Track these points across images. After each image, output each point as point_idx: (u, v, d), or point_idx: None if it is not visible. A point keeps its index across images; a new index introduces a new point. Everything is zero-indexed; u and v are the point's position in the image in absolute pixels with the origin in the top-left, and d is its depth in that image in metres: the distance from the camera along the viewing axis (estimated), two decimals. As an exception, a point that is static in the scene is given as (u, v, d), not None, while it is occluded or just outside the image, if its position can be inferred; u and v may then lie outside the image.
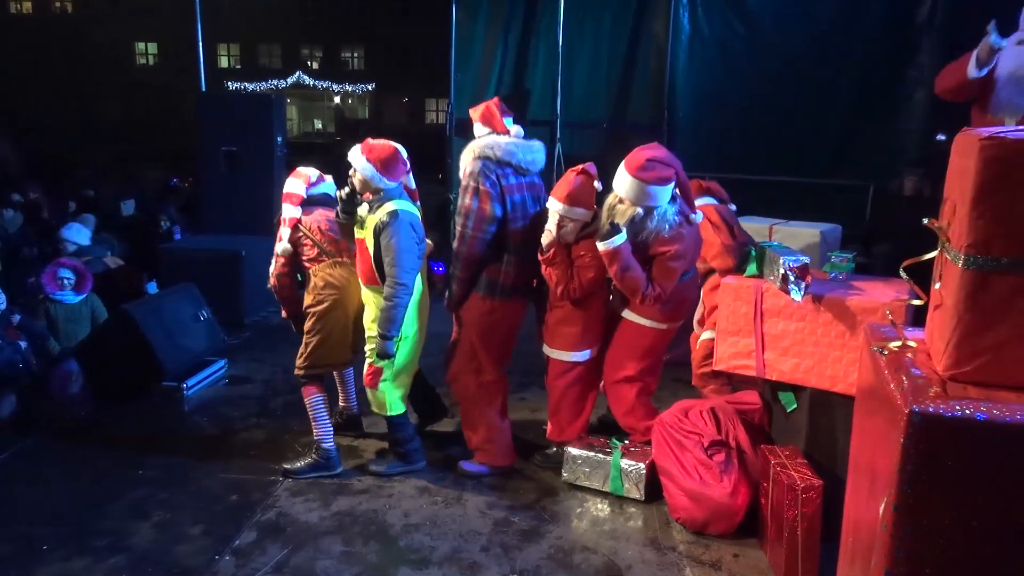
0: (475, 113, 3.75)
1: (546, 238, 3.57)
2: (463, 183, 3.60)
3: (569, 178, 3.56)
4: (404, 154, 3.63)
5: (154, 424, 4.46)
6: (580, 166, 3.60)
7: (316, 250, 3.82)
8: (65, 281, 5.50)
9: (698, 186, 4.17)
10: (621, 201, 3.45)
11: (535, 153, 3.67)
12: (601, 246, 3.41)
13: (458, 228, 3.59)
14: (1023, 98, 3.49)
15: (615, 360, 3.81)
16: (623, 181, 3.42)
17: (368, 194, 3.57)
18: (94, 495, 3.63)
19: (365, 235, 3.56)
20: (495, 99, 3.78)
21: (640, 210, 3.41)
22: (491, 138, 3.60)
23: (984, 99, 3.69)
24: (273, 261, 3.94)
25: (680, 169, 3.50)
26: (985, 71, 3.62)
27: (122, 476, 3.80)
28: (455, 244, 3.62)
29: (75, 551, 3.18)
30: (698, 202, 4.10)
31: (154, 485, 3.72)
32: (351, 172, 3.57)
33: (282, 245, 3.86)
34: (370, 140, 3.61)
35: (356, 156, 3.53)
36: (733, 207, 4.33)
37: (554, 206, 3.54)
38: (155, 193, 10.84)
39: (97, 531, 3.32)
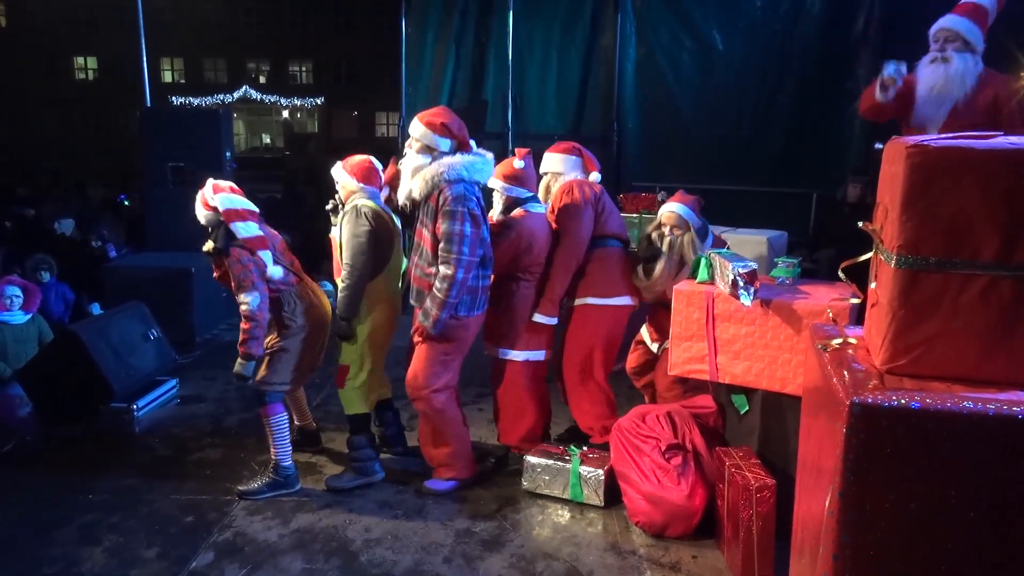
0: (445, 125, 3.52)
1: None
2: (446, 207, 3.43)
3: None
4: (379, 166, 3.88)
5: (103, 447, 4.34)
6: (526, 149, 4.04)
7: (291, 274, 3.80)
8: (13, 300, 5.32)
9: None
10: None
11: (492, 167, 3.71)
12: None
13: (453, 255, 3.43)
14: (939, 112, 3.70)
15: (572, 348, 3.98)
16: (547, 159, 4.10)
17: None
18: (42, 521, 3.52)
19: (336, 234, 3.77)
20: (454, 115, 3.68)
21: (550, 176, 4.09)
22: (462, 158, 3.52)
23: (907, 116, 3.91)
24: (255, 298, 3.57)
25: (582, 147, 4.16)
26: (892, 93, 3.81)
27: (71, 501, 3.70)
28: (449, 271, 3.43)
29: (23, 579, 3.09)
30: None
31: (105, 509, 3.62)
32: (338, 186, 3.86)
33: (273, 268, 3.67)
34: (349, 159, 3.89)
35: (338, 171, 3.84)
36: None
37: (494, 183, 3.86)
38: (95, 211, 10.57)
39: (46, 558, 3.23)
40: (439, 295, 3.48)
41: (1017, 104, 3.57)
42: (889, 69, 3.76)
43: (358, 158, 3.87)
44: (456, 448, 3.77)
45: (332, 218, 3.91)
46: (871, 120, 4.22)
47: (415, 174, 3.52)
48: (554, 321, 3.93)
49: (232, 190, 3.72)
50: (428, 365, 3.64)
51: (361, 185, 3.78)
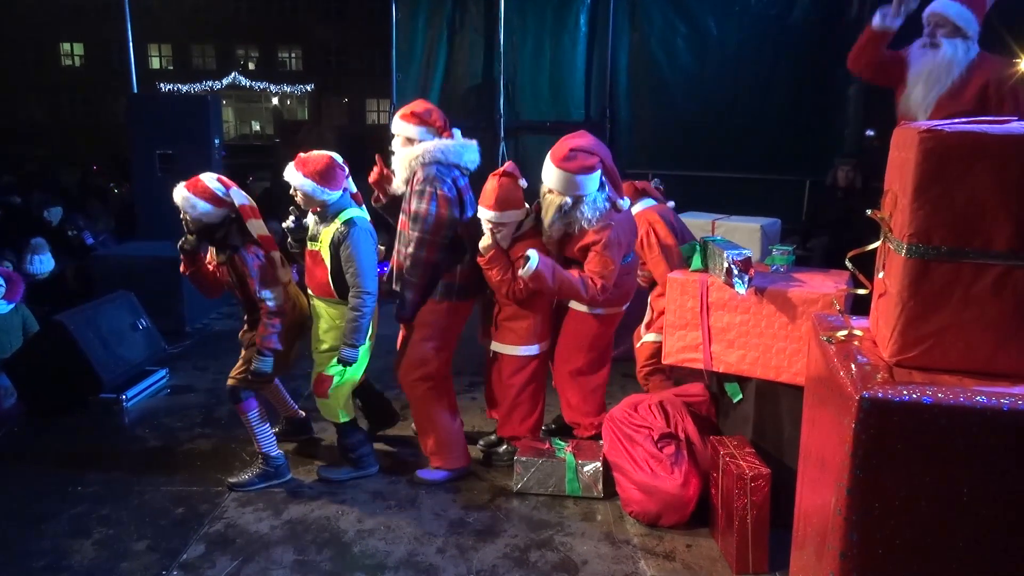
0: (415, 113, 3.58)
1: (484, 242, 3.57)
2: (416, 188, 3.50)
3: (492, 184, 3.55)
4: (340, 160, 3.54)
5: (92, 438, 4.28)
6: (500, 169, 3.61)
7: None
8: None
9: (632, 188, 4.23)
10: (550, 191, 3.52)
11: (474, 153, 3.66)
12: (522, 273, 3.44)
13: (415, 234, 3.47)
14: (927, 99, 3.62)
15: (564, 353, 3.87)
16: (549, 172, 3.49)
17: (314, 209, 3.55)
18: (30, 514, 3.47)
19: (320, 247, 3.51)
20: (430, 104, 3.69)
21: (568, 199, 3.46)
22: (437, 142, 3.54)
23: (898, 97, 3.81)
24: (278, 293, 3.54)
25: (607, 156, 3.56)
26: (889, 22, 3.64)
27: (59, 493, 3.65)
28: (411, 250, 3.49)
29: (12, 573, 3.04)
30: (638, 207, 4.16)
31: (94, 501, 3.58)
32: (292, 192, 3.51)
33: (286, 271, 3.63)
34: (302, 155, 3.53)
35: (293, 174, 3.46)
36: (671, 204, 4.40)
37: (485, 215, 3.53)
38: (72, 199, 10.42)
39: (35, 551, 3.18)
40: (405, 275, 3.55)
41: (1009, 89, 3.48)
42: None
43: (314, 156, 3.47)
44: (441, 437, 3.74)
45: (291, 234, 3.62)
46: (859, 73, 3.95)
47: (398, 163, 3.62)
48: None
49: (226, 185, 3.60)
50: (409, 351, 3.69)
51: (322, 188, 3.41)
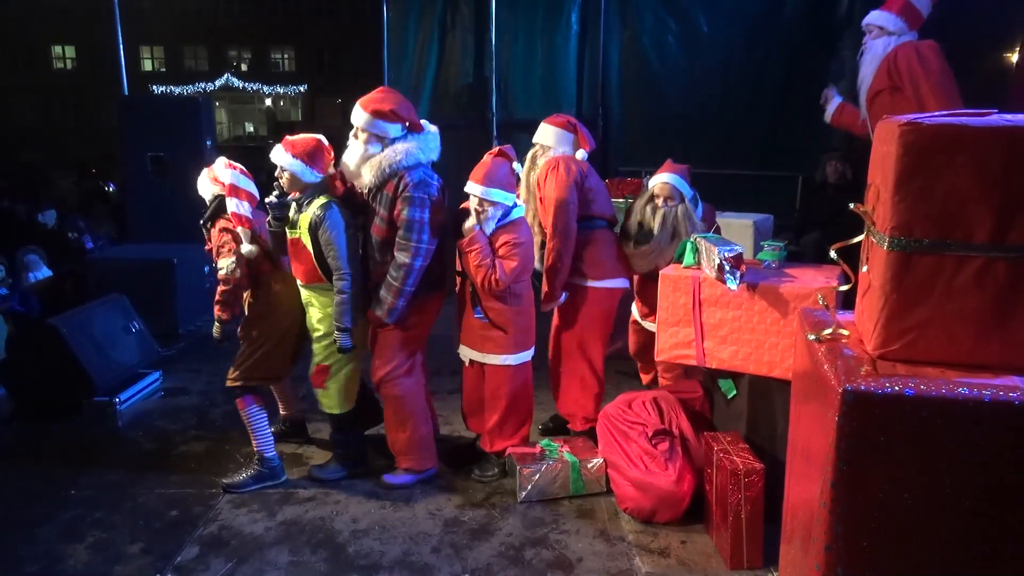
0: (395, 111, 3.37)
1: (468, 223, 3.51)
2: (405, 193, 3.35)
3: (486, 160, 3.50)
4: (326, 143, 3.54)
5: (85, 442, 4.28)
6: (496, 148, 3.57)
7: (266, 259, 3.68)
8: None
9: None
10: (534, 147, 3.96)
11: (436, 141, 3.55)
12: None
13: (411, 243, 3.37)
14: (862, 91, 4.09)
15: (569, 334, 3.93)
16: (541, 130, 3.96)
17: (295, 192, 3.51)
18: (23, 519, 3.46)
19: (300, 234, 3.50)
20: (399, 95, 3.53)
21: (539, 147, 3.94)
22: (416, 141, 3.42)
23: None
24: (229, 263, 3.54)
25: (585, 132, 3.98)
26: (832, 109, 4.48)
27: (52, 497, 3.64)
28: (406, 259, 3.38)
29: (4, 578, 3.04)
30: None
31: (87, 505, 3.57)
32: (277, 173, 3.51)
33: (248, 247, 3.56)
34: (289, 137, 3.55)
35: (280, 154, 3.45)
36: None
37: (473, 189, 3.43)
38: (77, 202, 10.40)
39: (28, 556, 3.17)
40: (395, 283, 3.42)
41: (901, 62, 3.83)
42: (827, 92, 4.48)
43: (302, 137, 3.50)
44: (413, 436, 3.68)
45: (273, 211, 3.51)
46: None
47: (364, 162, 3.41)
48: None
49: (243, 172, 3.71)
50: (383, 350, 3.61)
51: (309, 168, 3.43)
